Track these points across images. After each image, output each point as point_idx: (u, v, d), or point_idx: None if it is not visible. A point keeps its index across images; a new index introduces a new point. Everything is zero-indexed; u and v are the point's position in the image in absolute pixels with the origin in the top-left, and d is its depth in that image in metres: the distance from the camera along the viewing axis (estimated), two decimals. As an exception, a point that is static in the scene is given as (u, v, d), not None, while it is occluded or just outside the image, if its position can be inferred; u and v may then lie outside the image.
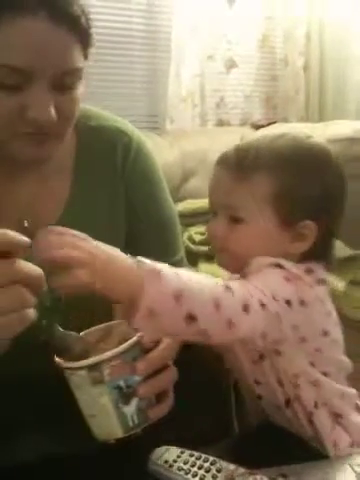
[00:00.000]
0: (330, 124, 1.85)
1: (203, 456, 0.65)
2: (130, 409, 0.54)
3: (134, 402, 0.54)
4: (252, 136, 1.96)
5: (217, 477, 0.62)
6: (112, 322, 0.60)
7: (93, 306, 0.69)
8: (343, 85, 2.42)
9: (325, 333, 0.65)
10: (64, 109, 0.63)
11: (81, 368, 0.52)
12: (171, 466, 0.64)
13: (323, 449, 0.70)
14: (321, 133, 1.66)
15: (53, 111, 0.61)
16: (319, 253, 0.65)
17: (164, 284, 0.51)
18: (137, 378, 0.55)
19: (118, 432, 0.55)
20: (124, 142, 0.79)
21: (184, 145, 1.94)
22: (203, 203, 1.76)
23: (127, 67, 2.02)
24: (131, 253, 0.77)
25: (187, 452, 0.66)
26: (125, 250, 0.79)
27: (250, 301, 0.56)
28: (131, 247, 0.81)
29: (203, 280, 0.56)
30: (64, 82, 0.62)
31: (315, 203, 0.62)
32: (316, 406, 0.68)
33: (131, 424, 0.55)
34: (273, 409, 0.73)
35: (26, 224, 0.72)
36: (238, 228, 0.63)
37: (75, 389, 0.54)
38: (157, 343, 0.58)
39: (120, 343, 0.55)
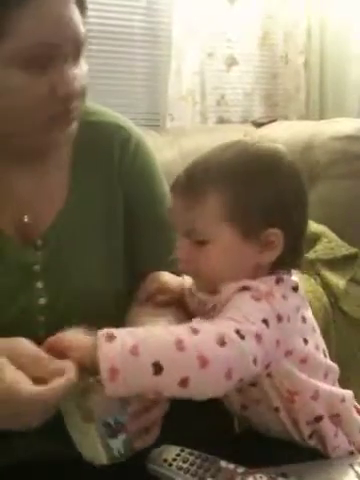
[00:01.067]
0: (332, 122, 1.84)
1: (203, 455, 0.65)
2: (117, 442, 0.55)
3: (121, 436, 0.55)
4: (253, 134, 1.96)
5: (217, 476, 0.62)
6: None
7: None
8: (343, 83, 2.41)
9: (305, 341, 0.64)
10: (80, 80, 0.65)
11: (72, 401, 0.53)
12: (170, 465, 0.64)
13: (323, 452, 0.70)
14: (323, 131, 1.66)
15: (77, 83, 0.64)
16: (289, 259, 0.63)
17: (118, 342, 0.51)
18: (126, 416, 0.55)
19: (102, 460, 0.55)
20: (122, 138, 0.79)
21: (184, 143, 1.93)
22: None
23: (127, 64, 2.02)
24: (129, 247, 0.77)
25: (186, 451, 0.66)
26: (124, 245, 0.80)
27: (225, 333, 0.54)
28: (130, 243, 0.81)
29: (164, 329, 0.56)
30: (77, 54, 0.64)
31: (272, 209, 0.61)
32: (318, 420, 0.67)
33: (117, 454, 0.55)
34: (262, 426, 0.71)
35: (26, 219, 0.73)
36: (204, 250, 0.62)
37: (64, 413, 0.55)
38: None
39: None
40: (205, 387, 0.55)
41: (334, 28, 2.37)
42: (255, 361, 0.55)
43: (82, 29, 0.64)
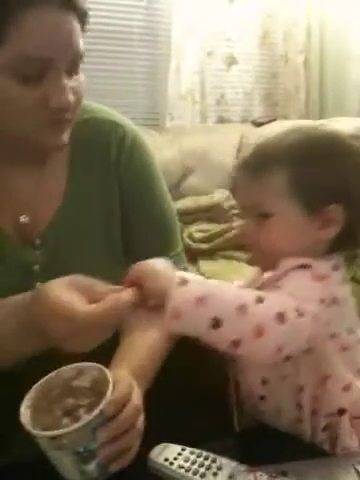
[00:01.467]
0: (331, 121, 1.84)
1: (204, 454, 0.65)
2: (90, 467, 0.56)
3: (94, 462, 0.56)
4: (252, 133, 1.96)
5: (218, 475, 0.62)
6: (85, 364, 0.60)
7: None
8: (343, 82, 2.41)
9: (351, 331, 0.66)
10: (76, 93, 0.66)
11: (42, 436, 0.54)
12: (172, 464, 0.64)
13: (330, 451, 0.70)
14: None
15: (71, 96, 0.64)
16: (346, 238, 0.66)
17: (189, 289, 0.55)
18: (96, 444, 0.56)
19: None
20: (118, 135, 0.78)
21: (184, 142, 1.93)
22: (203, 201, 1.76)
23: (127, 64, 2.02)
24: (127, 246, 0.77)
25: (188, 450, 0.66)
26: (121, 242, 0.79)
27: (286, 310, 0.56)
28: (128, 240, 0.81)
29: (233, 288, 0.59)
30: (74, 67, 0.65)
31: (333, 187, 0.63)
32: (340, 413, 0.68)
33: (91, 477, 0.57)
34: (274, 412, 0.72)
35: (23, 219, 0.73)
36: (267, 224, 0.65)
37: (38, 442, 0.56)
38: (121, 407, 0.58)
39: (93, 383, 0.58)
40: (254, 354, 0.58)
41: (334, 27, 2.37)
42: (307, 339, 0.58)
43: (80, 44, 0.64)
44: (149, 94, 2.04)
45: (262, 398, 0.71)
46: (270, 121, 2.00)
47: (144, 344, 0.72)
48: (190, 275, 0.57)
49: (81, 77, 0.67)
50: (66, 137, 0.69)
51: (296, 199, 0.63)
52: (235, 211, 1.77)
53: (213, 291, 0.56)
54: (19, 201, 0.73)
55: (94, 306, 0.54)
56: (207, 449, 0.66)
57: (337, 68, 2.41)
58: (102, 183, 0.77)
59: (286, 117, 2.34)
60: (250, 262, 0.70)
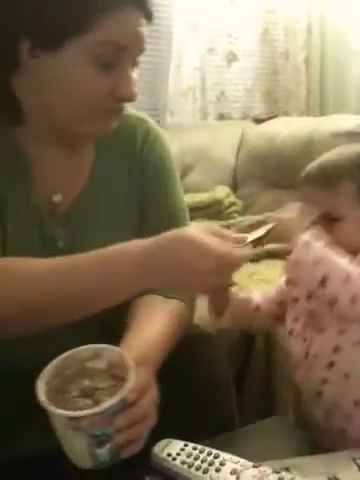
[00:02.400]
0: (332, 118, 1.84)
1: (206, 449, 0.65)
2: (103, 451, 0.56)
3: (108, 446, 0.56)
4: (253, 130, 1.96)
5: (220, 470, 0.62)
6: (101, 345, 0.61)
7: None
8: (344, 79, 2.40)
9: None
10: (136, 85, 0.72)
11: (61, 415, 0.54)
12: (174, 459, 0.64)
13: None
14: (323, 127, 1.66)
15: (135, 87, 0.71)
16: None
17: (311, 249, 0.68)
18: (113, 429, 0.56)
19: (88, 465, 0.57)
20: (144, 128, 0.84)
21: (184, 139, 1.93)
22: (202, 197, 1.76)
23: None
24: (139, 230, 0.82)
25: (190, 445, 0.66)
26: (138, 229, 0.82)
27: None
28: (141, 230, 0.82)
29: (345, 261, 0.69)
30: (137, 60, 0.72)
31: None
32: None
33: (102, 461, 0.57)
34: (331, 404, 0.75)
35: (55, 198, 0.76)
36: (338, 226, 0.74)
37: (53, 421, 0.56)
38: (141, 395, 0.59)
39: (108, 366, 0.59)
40: (344, 315, 0.70)
41: (334, 24, 2.36)
42: None
43: (146, 40, 0.71)
44: (150, 90, 2.03)
45: (331, 365, 0.74)
46: (270, 118, 2.00)
47: (152, 330, 0.73)
48: (315, 242, 0.69)
49: (136, 71, 0.73)
50: (114, 126, 0.75)
51: None
52: (235, 208, 1.77)
53: (330, 258, 0.68)
54: (53, 180, 0.77)
55: (230, 245, 0.61)
56: (209, 445, 0.67)
57: (338, 65, 2.40)
58: (125, 170, 0.82)
59: (287, 114, 2.34)
60: None
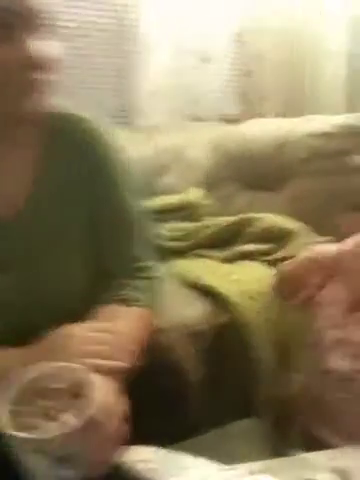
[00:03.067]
0: (307, 119, 1.83)
1: (176, 453, 0.64)
2: (68, 473, 0.55)
3: (72, 467, 0.54)
4: (228, 132, 1.94)
5: (190, 474, 0.61)
6: (62, 364, 0.60)
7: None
8: (320, 80, 2.40)
9: None
10: (44, 54, 0.73)
11: (23, 437, 0.52)
12: (144, 465, 0.62)
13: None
14: (298, 128, 1.65)
15: (39, 55, 0.71)
16: None
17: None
18: (79, 449, 0.54)
19: None
20: (93, 129, 0.82)
21: (158, 141, 1.90)
22: (176, 199, 1.73)
23: (96, 61, 1.97)
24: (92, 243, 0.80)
25: (160, 451, 0.65)
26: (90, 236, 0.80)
27: None
28: (93, 237, 0.81)
29: None
30: (36, 26, 0.73)
31: None
32: None
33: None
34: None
35: None
36: None
37: (13, 444, 0.54)
38: (106, 412, 0.57)
39: (71, 385, 0.57)
40: None
41: (310, 25, 2.36)
42: None
43: (37, 4, 0.71)
44: (117, 92, 2.00)
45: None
46: (245, 119, 1.98)
47: (118, 334, 0.72)
48: None
49: (52, 42, 0.74)
50: (42, 104, 0.72)
51: None
52: (210, 210, 1.74)
53: None
54: None
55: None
56: (179, 449, 0.65)
57: (313, 65, 2.40)
58: (74, 174, 0.79)
59: (262, 115, 2.32)
60: None
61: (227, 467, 0.62)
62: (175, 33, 2.07)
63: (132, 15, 1.97)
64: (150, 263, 0.90)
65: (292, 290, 0.78)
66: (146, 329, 0.78)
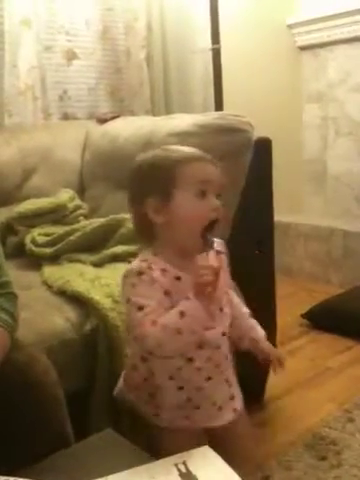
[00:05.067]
0: (171, 117, 1.87)
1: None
2: None
3: None
4: (97, 130, 1.92)
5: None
6: None
7: None
8: (187, 77, 2.46)
9: None
10: None
11: None
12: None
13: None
14: (161, 127, 1.67)
15: None
16: None
17: None
18: None
19: None
20: None
21: (24, 141, 1.83)
22: (46, 202, 1.68)
23: None
24: None
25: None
26: None
27: None
28: None
29: None
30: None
31: None
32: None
33: None
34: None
35: None
36: None
37: None
38: None
39: None
40: None
41: (175, 22, 2.39)
42: None
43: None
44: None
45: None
46: (113, 117, 1.97)
47: None
48: None
49: None
50: None
51: None
52: (81, 211, 1.72)
53: None
54: None
55: None
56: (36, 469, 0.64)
57: (181, 63, 2.44)
58: None
59: (132, 113, 2.33)
60: None
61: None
62: (40, 30, 2.00)
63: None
64: (6, 278, 0.87)
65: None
66: (2, 350, 0.76)
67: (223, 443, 0.87)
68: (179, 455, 0.71)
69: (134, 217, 0.94)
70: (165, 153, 0.92)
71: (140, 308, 0.81)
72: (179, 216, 0.86)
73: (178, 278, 0.86)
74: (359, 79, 2.87)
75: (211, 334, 0.88)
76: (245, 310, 1.02)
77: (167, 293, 0.84)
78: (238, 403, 0.97)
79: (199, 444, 0.79)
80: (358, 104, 2.91)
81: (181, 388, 0.88)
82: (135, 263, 0.87)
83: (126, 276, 0.86)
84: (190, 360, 0.88)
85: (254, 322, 1.01)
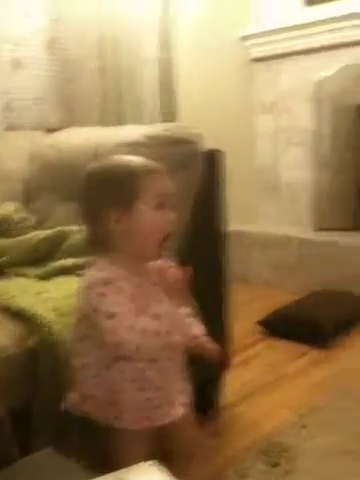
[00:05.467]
0: (121, 128, 1.85)
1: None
2: None
3: None
4: (44, 141, 1.88)
5: None
6: None
7: None
8: (138, 88, 2.45)
9: None
10: None
11: None
12: None
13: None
14: (110, 138, 1.65)
15: None
16: None
17: None
18: None
19: None
20: None
21: (-32, 152, 1.78)
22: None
23: None
24: None
25: None
26: None
27: None
28: None
29: None
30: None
31: None
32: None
33: None
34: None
35: None
36: None
37: None
38: None
39: None
40: None
41: (126, 32, 2.39)
42: None
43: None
44: None
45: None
46: (62, 128, 1.94)
47: None
48: None
49: None
50: None
51: None
52: (27, 223, 1.68)
53: None
54: None
55: None
56: None
57: (132, 74, 2.44)
58: None
59: (84, 124, 2.30)
60: None
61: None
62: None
63: None
64: None
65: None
66: None
67: (171, 435, 0.93)
68: (124, 470, 0.69)
69: (89, 228, 0.94)
70: (122, 163, 0.93)
71: (110, 316, 0.83)
72: (139, 227, 0.89)
73: (138, 285, 0.89)
74: (310, 90, 2.94)
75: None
76: (185, 310, 1.02)
77: (132, 300, 0.86)
78: (186, 397, 0.99)
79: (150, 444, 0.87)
80: (309, 114, 2.98)
81: (142, 389, 0.90)
82: (96, 273, 0.88)
83: (90, 287, 0.87)
84: (154, 361, 0.90)
85: (193, 320, 1.02)
